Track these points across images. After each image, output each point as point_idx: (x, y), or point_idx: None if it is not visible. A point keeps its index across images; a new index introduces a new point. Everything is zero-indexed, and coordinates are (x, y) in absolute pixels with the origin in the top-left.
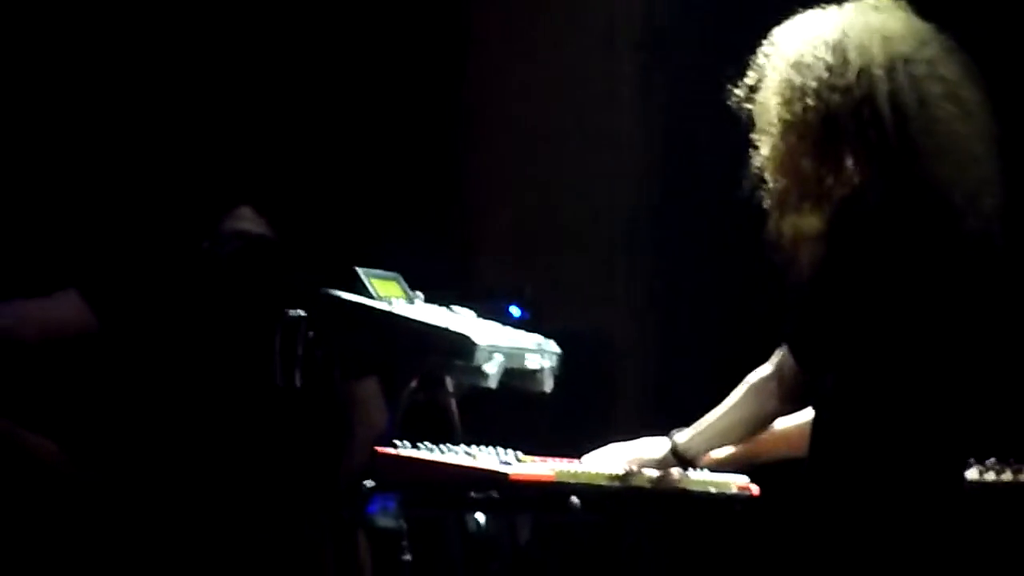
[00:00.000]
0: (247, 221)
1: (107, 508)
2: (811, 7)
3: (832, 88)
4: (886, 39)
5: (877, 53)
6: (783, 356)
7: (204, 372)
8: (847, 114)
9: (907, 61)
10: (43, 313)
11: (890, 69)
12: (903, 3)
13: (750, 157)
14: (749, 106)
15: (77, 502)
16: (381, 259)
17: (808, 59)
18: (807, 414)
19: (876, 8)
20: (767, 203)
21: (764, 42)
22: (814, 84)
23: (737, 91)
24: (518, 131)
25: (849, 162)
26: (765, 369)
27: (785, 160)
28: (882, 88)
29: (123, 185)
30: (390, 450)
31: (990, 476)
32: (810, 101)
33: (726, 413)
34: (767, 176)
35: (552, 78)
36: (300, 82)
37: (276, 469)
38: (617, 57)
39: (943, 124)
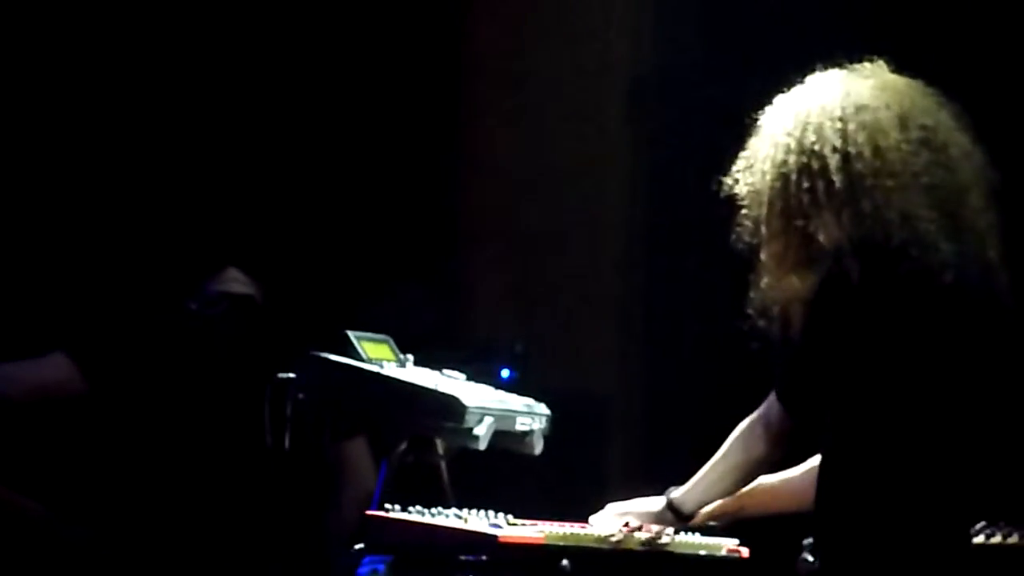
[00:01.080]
0: (235, 282)
1: (93, 568)
2: (798, 60)
3: (798, 153)
4: (855, 100)
5: (836, 111)
6: (770, 401)
7: (192, 433)
8: (808, 176)
9: (860, 110)
10: (32, 375)
11: (844, 124)
12: (882, 63)
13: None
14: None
15: (63, 562)
16: (371, 318)
17: (780, 131)
18: (793, 470)
19: (855, 72)
20: (760, 267)
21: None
22: (782, 155)
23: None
24: (508, 184)
25: (829, 221)
26: (754, 416)
27: (773, 225)
28: (835, 146)
29: (111, 247)
30: (380, 512)
31: (997, 539)
32: (783, 168)
33: (717, 462)
34: (760, 240)
35: (544, 131)
36: (289, 139)
37: (266, 531)
38: (609, 108)
39: (911, 176)
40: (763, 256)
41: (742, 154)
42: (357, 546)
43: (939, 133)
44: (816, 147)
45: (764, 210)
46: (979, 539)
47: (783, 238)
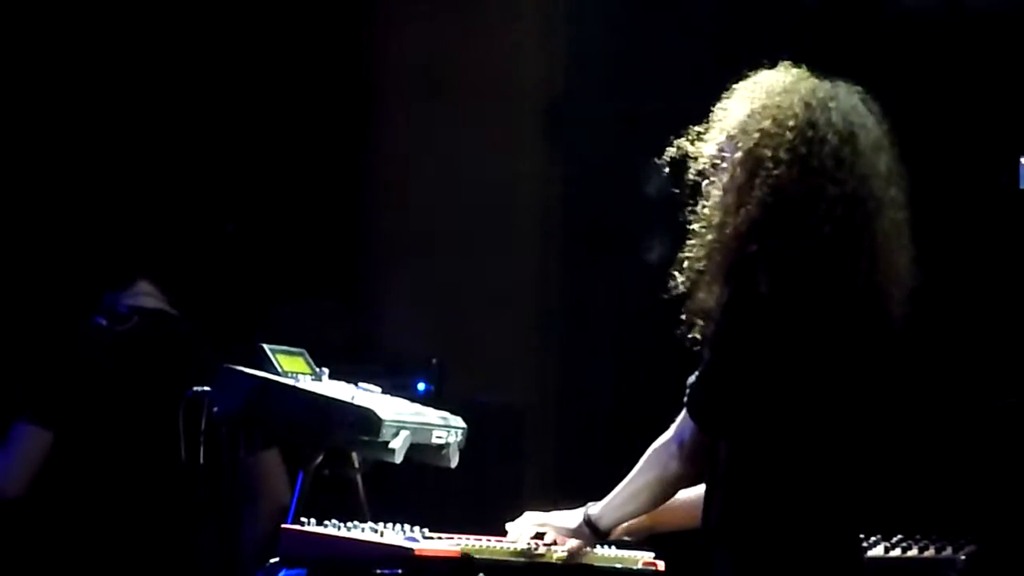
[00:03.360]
0: (145, 296)
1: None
2: (713, 74)
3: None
4: (803, 99)
5: (798, 107)
6: (683, 418)
7: (106, 450)
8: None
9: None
10: (19, 462)
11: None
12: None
13: (659, 225)
14: (690, 170)
15: None
16: (284, 332)
17: (734, 125)
18: (702, 486)
19: (785, 73)
20: (686, 273)
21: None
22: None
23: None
24: (422, 198)
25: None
26: (667, 433)
27: (717, 216)
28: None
29: (25, 263)
30: (295, 526)
31: (896, 552)
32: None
33: (632, 479)
34: (699, 235)
35: (456, 145)
36: (203, 149)
37: (181, 546)
38: (521, 125)
39: (832, 184)
40: (697, 261)
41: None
42: (272, 560)
43: (866, 136)
44: (763, 149)
45: (709, 203)
46: (876, 551)
47: (716, 240)
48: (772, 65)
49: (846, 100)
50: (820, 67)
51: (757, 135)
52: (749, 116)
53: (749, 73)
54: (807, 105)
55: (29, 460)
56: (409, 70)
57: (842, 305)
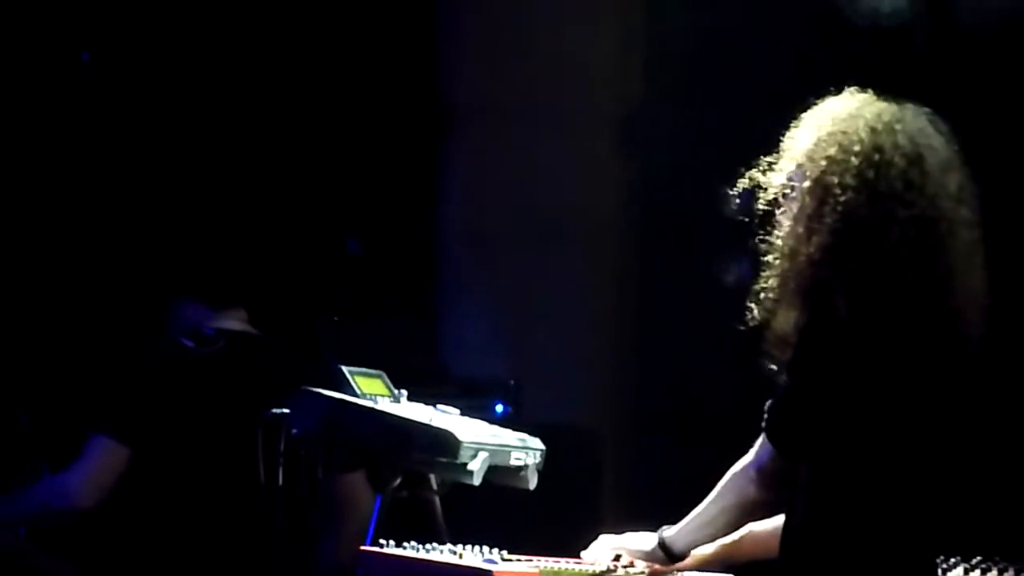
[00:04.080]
0: (231, 319)
1: None
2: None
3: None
4: (885, 124)
5: (880, 138)
6: (762, 443)
7: (188, 471)
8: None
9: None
10: (92, 476)
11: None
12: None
13: (735, 245)
14: (762, 196)
15: None
16: (363, 355)
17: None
18: (781, 517)
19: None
20: (765, 297)
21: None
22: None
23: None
24: (496, 217)
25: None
26: (746, 458)
27: (789, 245)
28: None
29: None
30: (375, 548)
31: (975, 574)
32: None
33: (710, 503)
34: (773, 265)
35: (533, 161)
36: (280, 174)
37: (261, 568)
38: (597, 145)
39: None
40: (772, 290)
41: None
42: None
43: (935, 157)
44: (830, 176)
45: (782, 232)
46: (955, 573)
47: (790, 268)
48: (839, 91)
49: (913, 122)
50: (892, 90)
51: (824, 162)
52: (816, 144)
53: (817, 101)
54: (873, 130)
55: (103, 474)
56: (483, 82)
57: (920, 327)
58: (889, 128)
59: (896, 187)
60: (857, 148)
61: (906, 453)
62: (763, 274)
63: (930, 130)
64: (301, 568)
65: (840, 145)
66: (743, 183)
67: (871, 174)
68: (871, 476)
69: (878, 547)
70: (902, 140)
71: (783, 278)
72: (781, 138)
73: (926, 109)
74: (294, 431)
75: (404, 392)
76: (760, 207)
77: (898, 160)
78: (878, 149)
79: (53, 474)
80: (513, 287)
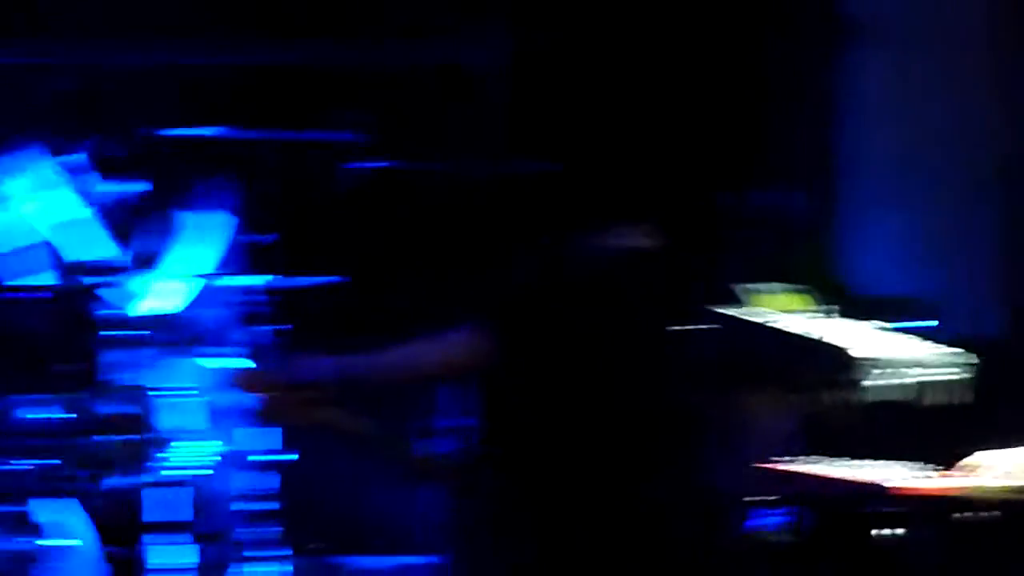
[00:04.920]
0: (632, 236)
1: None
2: None
3: None
4: None
5: None
6: None
7: (588, 391)
8: None
9: None
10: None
11: None
12: None
13: None
14: None
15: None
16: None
17: None
18: None
19: None
20: None
21: None
22: None
23: None
24: (894, 139)
25: None
26: None
27: None
28: None
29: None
30: (771, 465)
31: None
32: None
33: None
34: None
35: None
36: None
37: (661, 486)
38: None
39: None
40: None
41: None
42: (754, 498)
43: None
44: None
45: None
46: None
47: None
48: None
49: None
50: None
51: None
52: None
53: None
54: None
55: (452, 356)
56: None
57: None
58: None
59: None
60: None
61: None
62: None
63: None
64: (701, 488)
65: None
66: None
67: None
68: None
69: None
70: None
71: None
72: None
73: None
74: (697, 351)
75: (835, 307)
76: None
77: None
78: None
79: None
80: (913, 211)
